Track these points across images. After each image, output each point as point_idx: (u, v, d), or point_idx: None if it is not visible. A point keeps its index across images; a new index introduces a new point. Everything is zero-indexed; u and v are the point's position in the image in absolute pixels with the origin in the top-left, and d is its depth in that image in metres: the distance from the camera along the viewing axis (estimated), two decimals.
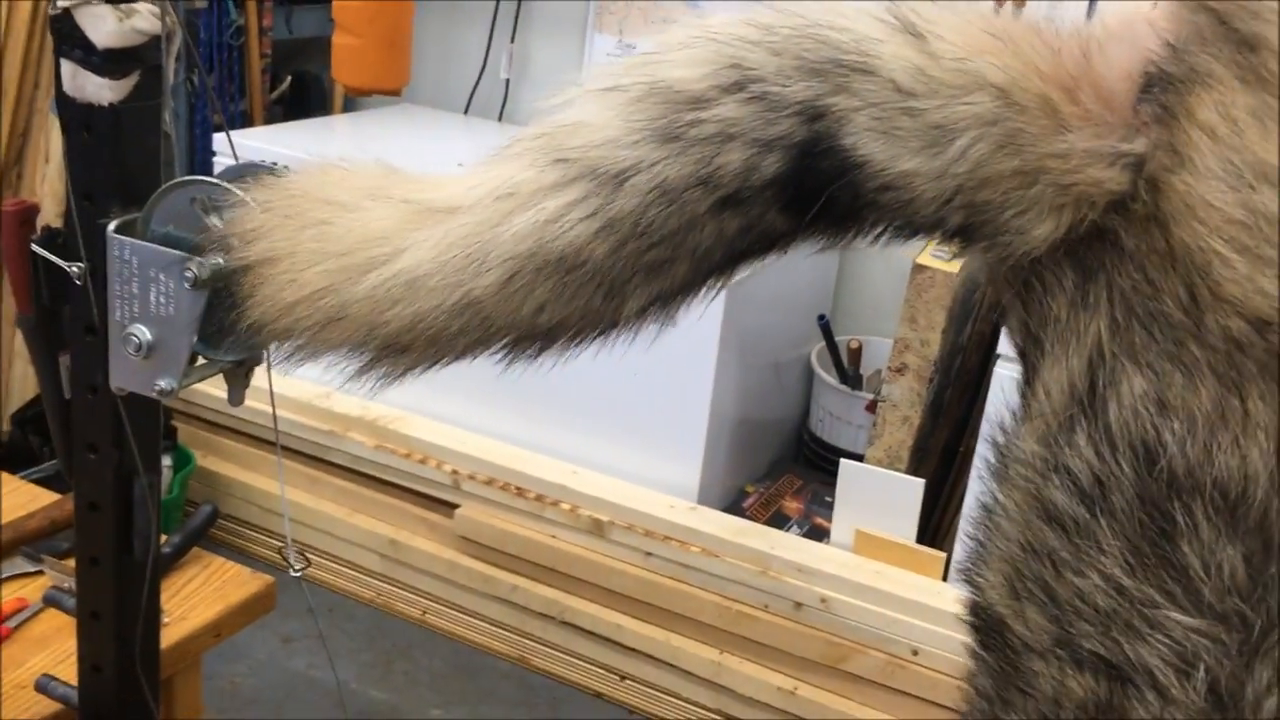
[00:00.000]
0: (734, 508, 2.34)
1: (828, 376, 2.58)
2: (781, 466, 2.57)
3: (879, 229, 0.54)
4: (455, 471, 2.32)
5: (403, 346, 0.53)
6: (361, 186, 0.56)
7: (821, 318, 2.57)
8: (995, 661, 0.54)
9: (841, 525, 2.12)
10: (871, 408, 2.34)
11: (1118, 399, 0.51)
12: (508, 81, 3.13)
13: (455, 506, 2.32)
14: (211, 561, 1.53)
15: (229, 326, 0.56)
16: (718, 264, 0.55)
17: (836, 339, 2.62)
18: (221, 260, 0.56)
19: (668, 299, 0.55)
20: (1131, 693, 0.51)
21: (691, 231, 0.52)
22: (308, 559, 1.17)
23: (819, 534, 2.24)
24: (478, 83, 3.13)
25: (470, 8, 3.14)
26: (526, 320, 0.53)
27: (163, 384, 0.89)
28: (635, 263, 0.53)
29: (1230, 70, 0.47)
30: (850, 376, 2.59)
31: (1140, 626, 0.50)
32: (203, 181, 0.79)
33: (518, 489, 2.27)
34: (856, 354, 2.61)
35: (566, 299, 0.53)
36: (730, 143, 0.51)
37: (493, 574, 2.29)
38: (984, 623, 0.55)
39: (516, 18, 3.09)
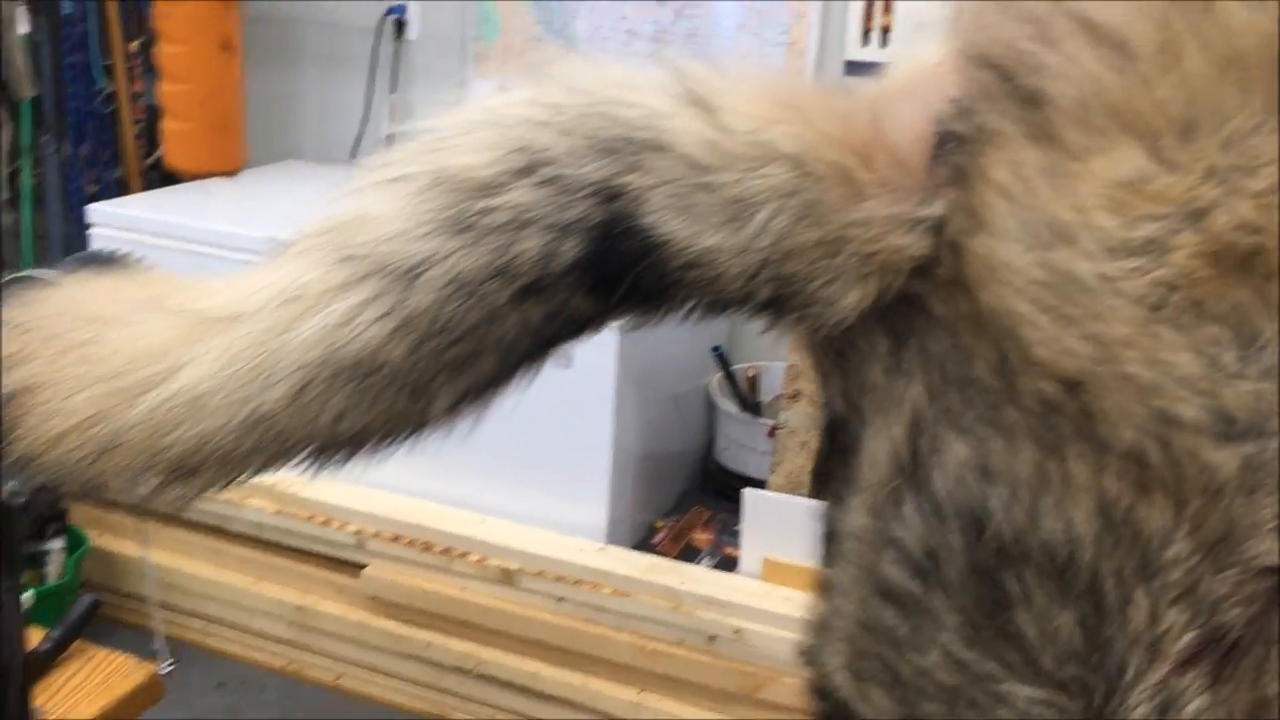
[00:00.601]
0: (644, 544, 2.31)
1: (728, 406, 2.56)
2: (690, 498, 2.54)
3: (689, 305, 0.51)
4: (359, 531, 2.25)
5: (192, 468, 0.49)
6: (132, 298, 0.51)
7: (716, 348, 2.56)
8: None
9: (750, 554, 2.10)
10: (773, 434, 2.33)
11: (941, 467, 0.49)
12: (392, 132, 3.08)
13: (362, 566, 2.25)
14: (95, 654, 1.46)
15: None
16: (526, 353, 0.51)
17: (734, 368, 2.61)
18: None
19: (479, 393, 0.52)
20: None
21: (494, 324, 0.49)
22: (175, 659, 1.11)
23: (730, 563, 2.22)
24: (360, 135, 3.07)
25: (348, 61, 3.09)
26: (326, 430, 0.49)
27: (11, 485, 0.84)
28: (438, 360, 0.49)
29: (1018, 127, 0.46)
30: (750, 404, 2.58)
31: (984, 701, 0.48)
32: (35, 278, 0.74)
33: (424, 544, 2.21)
34: (754, 382, 2.61)
35: (367, 405, 0.49)
36: (525, 229, 0.48)
37: (405, 632, 2.22)
38: (831, 706, 0.52)
39: (395, 68, 3.04)
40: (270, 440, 0.49)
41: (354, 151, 3.09)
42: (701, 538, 2.37)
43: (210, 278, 0.51)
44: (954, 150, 0.47)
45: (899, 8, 2.61)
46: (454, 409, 0.52)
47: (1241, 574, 0.47)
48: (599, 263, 0.48)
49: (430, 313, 0.48)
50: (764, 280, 0.48)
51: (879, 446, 0.51)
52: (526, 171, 0.48)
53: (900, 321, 0.49)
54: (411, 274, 0.48)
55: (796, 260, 0.48)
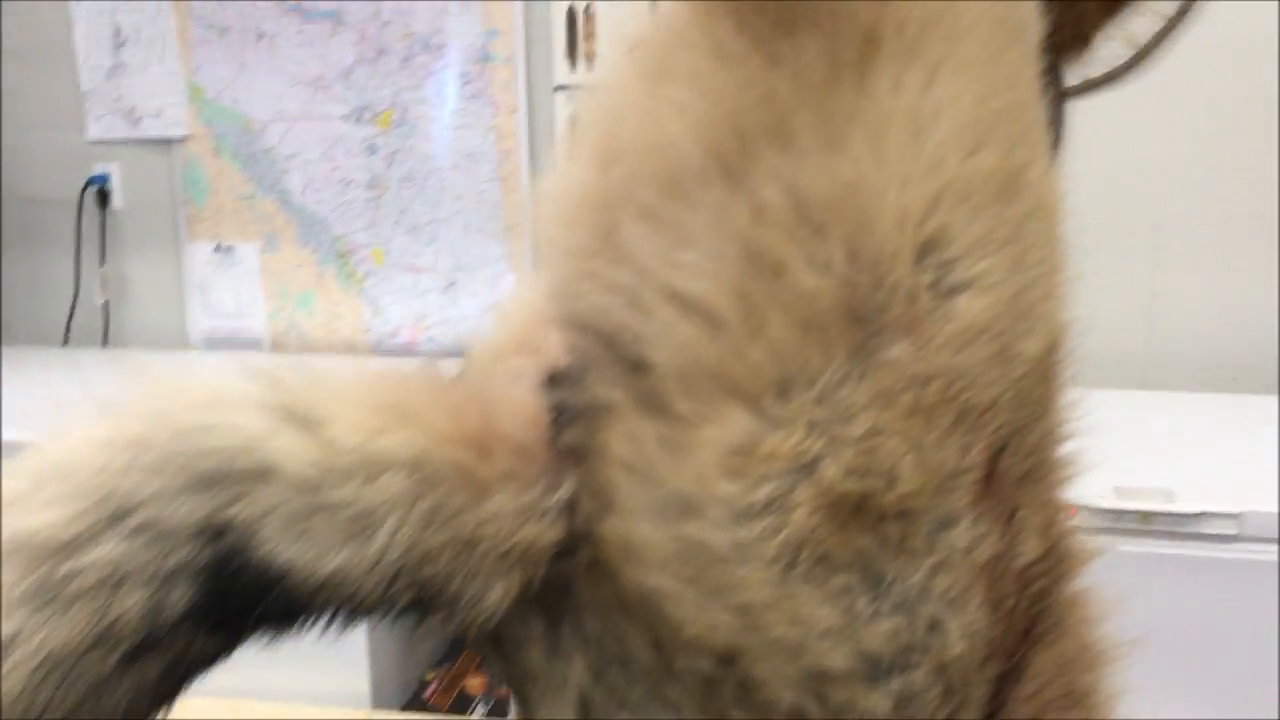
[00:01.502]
0: (415, 700, 2.18)
1: None
2: (462, 643, 2.43)
3: (329, 617, 0.45)
4: None
5: None
6: None
7: None
8: None
9: None
10: None
11: None
12: (106, 304, 2.86)
13: None
14: None
15: None
16: (150, 705, 0.44)
17: None
18: None
19: None
20: None
21: (103, 695, 0.42)
22: None
23: (504, 706, 2.13)
24: (72, 312, 2.84)
25: (52, 236, 2.87)
26: None
27: None
28: None
29: (629, 396, 0.44)
30: None
31: None
32: None
33: None
34: None
35: None
36: (122, 586, 0.41)
37: None
38: None
39: (103, 240, 2.84)
40: None
41: (67, 330, 2.86)
42: (474, 683, 2.26)
43: None
44: (570, 423, 0.45)
45: None
46: None
47: None
48: (216, 605, 0.42)
49: (22, 702, 0.40)
50: (402, 588, 0.44)
51: None
52: (113, 521, 0.41)
53: (552, 603, 0.46)
54: None
55: (432, 564, 0.43)
